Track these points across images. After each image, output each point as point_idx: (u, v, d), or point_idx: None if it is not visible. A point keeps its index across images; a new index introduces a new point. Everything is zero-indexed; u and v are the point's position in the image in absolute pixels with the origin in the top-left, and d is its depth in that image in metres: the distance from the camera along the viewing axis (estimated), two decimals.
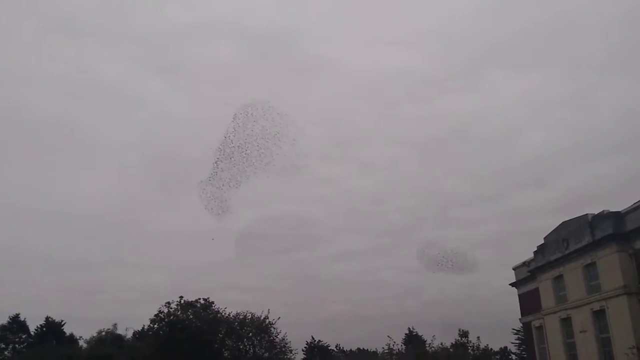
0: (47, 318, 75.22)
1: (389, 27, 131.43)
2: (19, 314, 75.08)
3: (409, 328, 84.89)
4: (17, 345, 73.02)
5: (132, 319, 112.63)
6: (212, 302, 58.52)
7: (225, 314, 58.40)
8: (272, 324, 57.77)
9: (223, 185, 34.22)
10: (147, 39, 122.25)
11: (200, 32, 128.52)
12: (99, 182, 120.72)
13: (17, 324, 74.54)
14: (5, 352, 71.11)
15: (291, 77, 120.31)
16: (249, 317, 58.13)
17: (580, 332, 42.06)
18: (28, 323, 75.50)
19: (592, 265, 41.37)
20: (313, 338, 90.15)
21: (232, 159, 33.66)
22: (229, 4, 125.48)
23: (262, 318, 57.80)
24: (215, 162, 33.77)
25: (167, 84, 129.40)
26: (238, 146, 33.49)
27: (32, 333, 74.77)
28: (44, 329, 74.67)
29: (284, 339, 58.26)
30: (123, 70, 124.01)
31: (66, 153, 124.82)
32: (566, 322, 44.86)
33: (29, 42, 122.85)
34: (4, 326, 72.94)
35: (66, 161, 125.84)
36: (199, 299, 58.12)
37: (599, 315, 40.56)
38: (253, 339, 57.39)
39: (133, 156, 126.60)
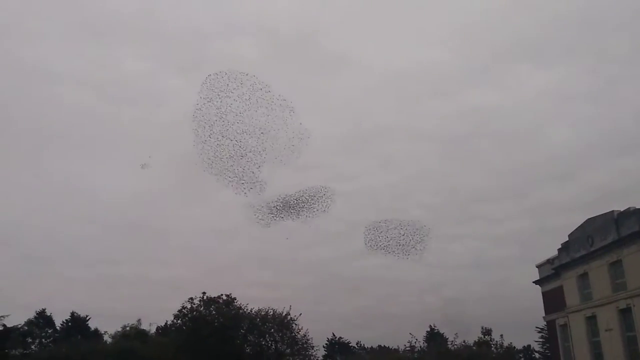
0: (72, 313, 76.45)
1: (411, 23, 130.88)
2: (45, 309, 76.48)
3: (430, 326, 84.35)
4: (43, 340, 74.34)
5: (156, 314, 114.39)
6: (234, 299, 58.96)
7: (247, 310, 58.81)
8: (294, 320, 58.04)
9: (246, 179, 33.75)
10: (170, 37, 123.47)
11: (223, 31, 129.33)
12: (124, 178, 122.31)
13: (43, 318, 75.89)
14: (32, 347, 72.38)
15: (313, 74, 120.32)
16: (271, 313, 58.44)
17: (606, 330, 41.50)
18: (54, 318, 76.89)
19: (618, 262, 40.76)
20: (334, 335, 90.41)
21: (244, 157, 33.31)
22: (251, 2, 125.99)
23: (283, 314, 58.08)
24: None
25: (190, 81, 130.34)
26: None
27: (58, 328, 76.05)
28: (70, 323, 75.88)
29: (305, 335, 58.49)
30: (147, 68, 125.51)
31: (92, 149, 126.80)
32: (591, 320, 44.28)
33: (56, 41, 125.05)
34: (30, 321, 74.23)
35: (92, 157, 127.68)
36: (221, 295, 58.57)
37: (625, 314, 39.96)
38: (275, 335, 57.69)
39: (158, 152, 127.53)
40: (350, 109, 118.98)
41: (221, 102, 31.68)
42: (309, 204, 34.92)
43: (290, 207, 34.62)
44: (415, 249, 38.64)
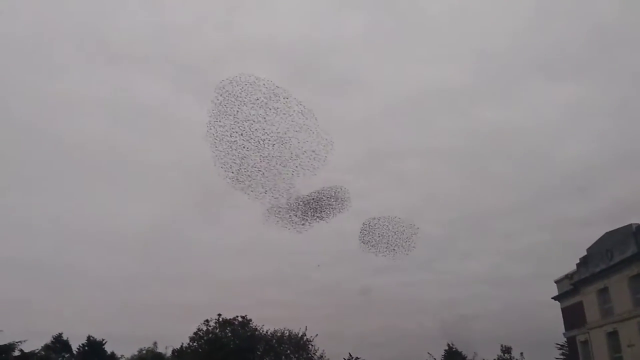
0: (88, 337, 76.39)
1: (425, 42, 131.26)
2: (61, 334, 76.50)
3: (448, 344, 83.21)
4: None
5: (172, 337, 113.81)
6: (250, 320, 58.80)
7: (262, 331, 58.56)
8: (310, 341, 57.65)
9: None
10: (185, 61, 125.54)
11: (236, 53, 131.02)
12: (140, 201, 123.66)
13: (60, 343, 75.91)
14: None
15: (327, 93, 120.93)
16: (287, 334, 58.12)
17: (628, 346, 40.69)
18: (70, 342, 76.90)
19: (638, 276, 40.13)
20: (350, 355, 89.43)
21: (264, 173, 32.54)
22: (264, 24, 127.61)
23: (299, 335, 57.73)
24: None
25: (205, 103, 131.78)
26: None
27: (75, 352, 76.03)
28: (86, 347, 75.83)
29: (322, 357, 58.04)
30: (163, 92, 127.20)
31: (108, 173, 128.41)
32: (613, 336, 43.47)
33: (72, 67, 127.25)
34: (47, 346, 74.29)
35: (108, 181, 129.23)
36: (237, 316, 58.43)
37: None
38: (291, 356, 57.31)
39: (173, 175, 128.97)
40: (365, 128, 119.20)
41: (238, 110, 30.74)
42: (328, 202, 33.78)
43: (311, 207, 33.50)
44: (403, 247, 36.58)
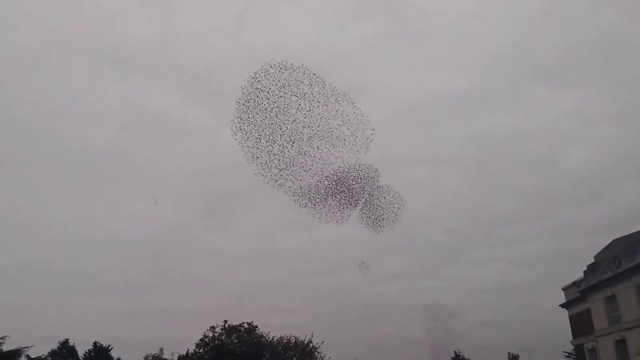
0: (95, 343, 76.47)
1: (430, 49, 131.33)
2: (68, 339, 76.62)
3: (455, 352, 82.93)
4: None
5: (178, 343, 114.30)
6: (256, 327, 58.63)
7: (268, 338, 58.41)
8: (316, 348, 57.45)
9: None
10: (191, 70, 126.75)
11: (242, 62, 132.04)
12: (147, 208, 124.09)
13: (66, 349, 75.99)
14: None
15: (332, 102, 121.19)
16: (293, 341, 57.97)
17: (636, 354, 40.45)
18: (77, 348, 76.99)
19: None
20: None
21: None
22: (269, 33, 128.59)
23: (305, 342, 57.56)
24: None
25: (211, 112, 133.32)
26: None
27: (81, 358, 76.10)
28: (92, 353, 75.90)
29: None
30: (169, 101, 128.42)
31: (116, 180, 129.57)
32: (621, 344, 43.16)
33: (81, 78, 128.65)
34: (54, 351, 74.40)
35: (116, 188, 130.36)
36: (243, 323, 58.31)
37: None
38: None
39: (180, 182, 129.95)
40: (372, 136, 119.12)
41: (269, 100, 29.57)
42: (357, 183, 31.86)
43: (341, 188, 31.49)
44: (387, 221, 33.46)
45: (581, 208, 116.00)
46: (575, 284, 50.92)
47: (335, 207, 31.39)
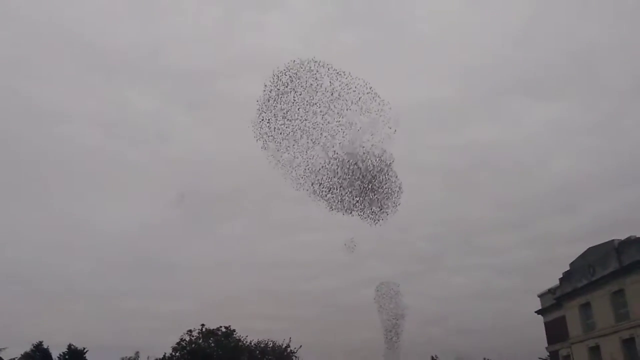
0: (69, 346, 75.40)
1: (413, 60, 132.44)
2: (42, 342, 75.39)
3: (432, 357, 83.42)
4: None
5: (156, 348, 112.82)
6: (234, 330, 58.36)
7: (246, 342, 58.16)
8: (294, 352, 57.33)
9: None
10: (177, 76, 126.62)
11: (228, 69, 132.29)
12: (129, 213, 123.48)
13: (40, 351, 74.70)
14: None
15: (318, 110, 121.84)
16: (270, 345, 57.79)
17: None
18: (51, 351, 75.81)
19: (620, 292, 40.47)
20: None
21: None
22: (256, 41, 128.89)
23: (283, 346, 57.41)
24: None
25: (197, 118, 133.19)
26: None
27: None
28: (67, 357, 74.84)
29: None
30: (154, 106, 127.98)
31: (99, 185, 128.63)
32: (595, 351, 43.72)
33: (68, 81, 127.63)
34: (27, 354, 73.22)
35: (98, 192, 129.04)
36: (220, 327, 57.98)
37: (629, 344, 39.49)
38: None
39: (163, 188, 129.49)
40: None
41: (295, 99, 28.89)
42: (373, 169, 30.47)
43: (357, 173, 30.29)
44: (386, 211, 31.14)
45: (559, 217, 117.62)
46: (550, 291, 51.50)
47: (349, 196, 30.43)
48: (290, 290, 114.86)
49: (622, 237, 40.79)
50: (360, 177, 29.92)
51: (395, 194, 31.47)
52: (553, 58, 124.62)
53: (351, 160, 29.64)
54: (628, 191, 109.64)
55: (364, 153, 29.63)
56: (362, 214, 31.37)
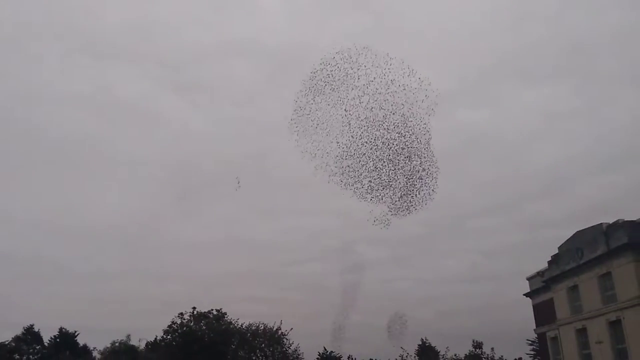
0: (60, 329, 75.44)
1: (402, 43, 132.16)
2: (33, 325, 75.39)
3: (422, 339, 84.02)
4: (31, 357, 73.24)
5: (147, 330, 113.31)
6: (225, 313, 58.63)
7: (237, 325, 58.44)
8: (285, 335, 57.73)
9: None
10: (167, 59, 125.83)
11: (220, 52, 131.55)
12: (120, 196, 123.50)
13: (31, 334, 74.76)
14: None
15: (307, 93, 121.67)
16: (262, 328, 58.10)
17: (596, 343, 41.55)
18: (42, 334, 75.84)
19: (608, 275, 40.92)
20: (325, 349, 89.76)
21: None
22: (246, 24, 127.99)
23: (274, 329, 57.74)
24: None
25: (186, 101, 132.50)
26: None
27: (46, 344, 75.03)
28: (58, 339, 74.86)
29: (296, 350, 58.16)
30: (144, 89, 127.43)
31: (88, 168, 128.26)
32: (582, 332, 44.33)
33: (56, 64, 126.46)
34: (18, 337, 73.22)
35: (88, 175, 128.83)
36: (212, 310, 58.18)
37: (615, 326, 40.07)
38: (265, 350, 57.29)
39: (153, 170, 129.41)
40: (346, 127, 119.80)
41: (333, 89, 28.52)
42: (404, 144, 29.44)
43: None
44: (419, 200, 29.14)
45: (547, 200, 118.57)
46: (539, 274, 51.97)
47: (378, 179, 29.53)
48: (280, 273, 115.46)
49: (610, 220, 41.17)
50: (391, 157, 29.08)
51: (432, 180, 30.12)
52: (542, 44, 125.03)
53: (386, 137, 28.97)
54: (614, 175, 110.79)
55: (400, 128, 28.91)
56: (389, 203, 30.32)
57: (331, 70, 28.65)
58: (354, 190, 29.98)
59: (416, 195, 30.23)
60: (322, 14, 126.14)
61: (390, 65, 28.84)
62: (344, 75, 28.52)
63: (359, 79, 28.66)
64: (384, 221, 31.01)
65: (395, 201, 30.37)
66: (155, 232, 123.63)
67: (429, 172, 30.44)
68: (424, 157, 30.01)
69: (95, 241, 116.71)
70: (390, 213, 30.57)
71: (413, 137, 29.50)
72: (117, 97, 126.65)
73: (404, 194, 30.21)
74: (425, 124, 29.07)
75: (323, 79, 28.66)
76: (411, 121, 28.85)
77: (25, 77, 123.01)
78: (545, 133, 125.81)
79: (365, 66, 28.98)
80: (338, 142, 29.16)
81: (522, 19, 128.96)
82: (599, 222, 41.80)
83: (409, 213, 30.62)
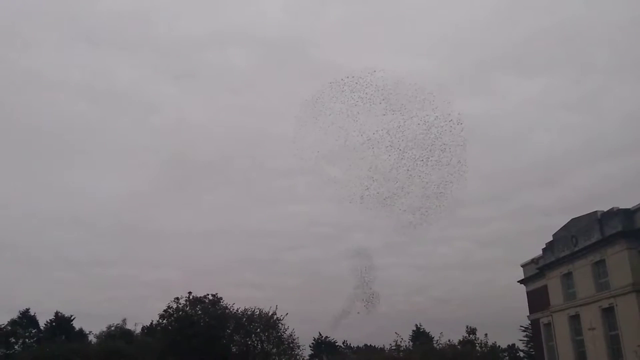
0: (56, 313, 75.77)
1: (399, 34, 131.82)
2: (28, 309, 75.71)
3: (416, 325, 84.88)
4: (27, 340, 73.58)
5: (143, 315, 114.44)
6: (221, 298, 58.69)
7: (233, 309, 58.61)
8: (280, 320, 57.90)
9: None
10: (164, 47, 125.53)
11: (216, 41, 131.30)
12: (116, 183, 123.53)
13: (27, 318, 75.11)
14: (16, 347, 71.67)
15: (303, 83, 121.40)
16: (257, 313, 58.28)
17: (589, 329, 41.93)
18: (38, 318, 76.15)
19: (602, 262, 41.22)
20: (320, 334, 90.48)
21: None
22: (244, 14, 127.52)
23: (270, 314, 57.96)
24: None
25: (183, 89, 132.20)
26: None
27: (42, 328, 75.35)
28: (54, 323, 75.19)
29: (292, 335, 58.43)
30: (141, 77, 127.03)
31: (85, 155, 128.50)
32: (575, 319, 44.72)
33: (53, 51, 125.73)
34: (14, 321, 73.51)
35: (84, 163, 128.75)
36: (207, 294, 58.31)
37: (608, 313, 40.44)
38: (261, 334, 57.52)
39: (149, 158, 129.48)
40: (340, 118, 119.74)
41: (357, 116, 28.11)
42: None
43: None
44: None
45: (542, 190, 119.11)
46: (533, 261, 52.31)
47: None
48: (275, 259, 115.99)
49: (603, 209, 41.36)
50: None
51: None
52: (538, 34, 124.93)
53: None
54: (608, 165, 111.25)
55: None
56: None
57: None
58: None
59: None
60: (320, 1, 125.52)
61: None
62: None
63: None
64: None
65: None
66: (151, 218, 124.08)
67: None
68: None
69: (91, 228, 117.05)
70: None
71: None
72: (113, 85, 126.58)
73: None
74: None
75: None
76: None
77: (20, 64, 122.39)
78: (539, 123, 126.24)
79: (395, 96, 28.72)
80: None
81: (517, 7, 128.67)
82: (594, 210, 42.01)
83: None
